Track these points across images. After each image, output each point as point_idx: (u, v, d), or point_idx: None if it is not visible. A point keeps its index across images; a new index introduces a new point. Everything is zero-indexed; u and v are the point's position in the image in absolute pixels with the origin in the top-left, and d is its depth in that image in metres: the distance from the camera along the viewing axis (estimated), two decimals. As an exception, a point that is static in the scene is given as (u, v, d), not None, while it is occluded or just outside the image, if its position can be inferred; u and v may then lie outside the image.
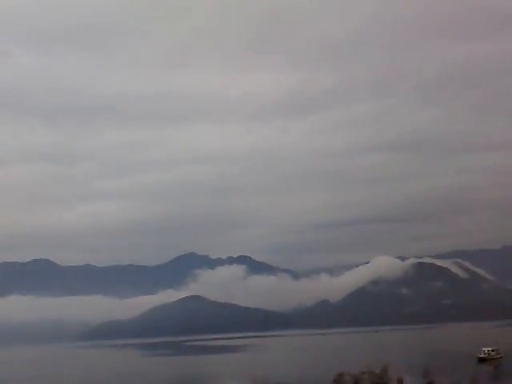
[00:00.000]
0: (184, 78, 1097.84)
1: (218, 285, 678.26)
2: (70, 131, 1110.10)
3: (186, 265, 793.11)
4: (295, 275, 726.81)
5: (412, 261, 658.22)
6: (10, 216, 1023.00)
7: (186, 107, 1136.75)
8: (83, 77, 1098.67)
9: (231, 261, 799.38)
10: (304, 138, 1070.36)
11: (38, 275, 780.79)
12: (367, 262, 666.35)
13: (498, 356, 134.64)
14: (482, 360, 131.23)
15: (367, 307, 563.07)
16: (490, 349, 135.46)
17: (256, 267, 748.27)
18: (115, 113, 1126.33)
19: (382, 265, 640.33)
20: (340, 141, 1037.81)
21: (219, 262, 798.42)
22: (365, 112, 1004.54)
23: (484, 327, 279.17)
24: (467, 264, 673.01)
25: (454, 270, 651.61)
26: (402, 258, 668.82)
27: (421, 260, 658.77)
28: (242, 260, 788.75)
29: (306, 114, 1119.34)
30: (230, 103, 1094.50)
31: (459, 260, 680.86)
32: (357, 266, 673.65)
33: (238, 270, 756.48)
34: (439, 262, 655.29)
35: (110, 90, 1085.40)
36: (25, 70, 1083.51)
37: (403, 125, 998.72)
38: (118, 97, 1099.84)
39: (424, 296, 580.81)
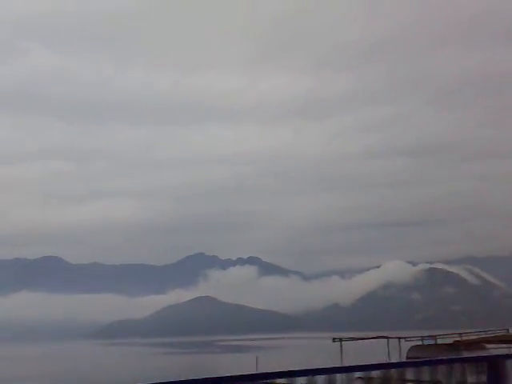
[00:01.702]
0: (200, 78, 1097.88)
1: (228, 285, 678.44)
2: (85, 129, 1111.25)
3: (194, 265, 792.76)
4: (306, 277, 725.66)
5: (423, 266, 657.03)
6: (22, 213, 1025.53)
7: (202, 108, 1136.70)
8: (100, 76, 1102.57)
9: (240, 262, 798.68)
10: (319, 141, 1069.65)
11: (48, 272, 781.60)
12: (378, 266, 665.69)
13: None
14: None
15: (378, 311, 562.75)
16: None
17: (266, 269, 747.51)
18: (130, 112, 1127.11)
19: (394, 269, 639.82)
20: (354, 145, 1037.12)
21: (228, 263, 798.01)
22: (380, 117, 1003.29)
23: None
24: (477, 270, 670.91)
25: (465, 276, 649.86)
26: (414, 263, 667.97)
27: (432, 265, 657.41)
28: (251, 261, 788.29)
29: (322, 117, 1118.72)
30: (246, 105, 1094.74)
31: (470, 266, 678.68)
32: (368, 269, 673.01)
33: (247, 271, 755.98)
34: (450, 268, 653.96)
35: (126, 90, 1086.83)
36: (43, 67, 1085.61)
37: (418, 130, 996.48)
38: (133, 96, 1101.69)
39: (434, 301, 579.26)
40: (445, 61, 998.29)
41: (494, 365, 10.08)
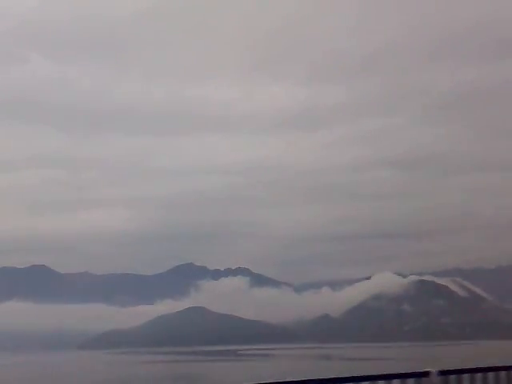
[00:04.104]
0: (195, 89, 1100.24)
1: (219, 296, 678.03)
2: (80, 138, 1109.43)
3: (184, 275, 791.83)
4: (296, 288, 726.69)
5: (413, 278, 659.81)
6: (11, 220, 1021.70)
7: (196, 118, 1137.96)
8: (97, 85, 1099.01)
9: (229, 272, 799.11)
10: (311, 152, 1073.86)
11: (37, 282, 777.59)
12: (368, 278, 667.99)
13: None
14: None
15: (368, 323, 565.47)
16: None
17: (255, 279, 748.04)
18: (125, 121, 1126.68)
19: (383, 281, 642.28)
20: (345, 156, 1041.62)
21: (217, 274, 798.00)
22: (371, 129, 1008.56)
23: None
24: (466, 283, 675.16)
25: (454, 288, 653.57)
26: (403, 275, 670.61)
27: (421, 277, 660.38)
28: (240, 272, 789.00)
29: (315, 128, 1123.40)
30: (239, 115, 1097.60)
31: (458, 278, 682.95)
32: (358, 281, 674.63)
33: (236, 281, 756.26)
34: (439, 280, 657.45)
35: (122, 99, 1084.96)
36: (39, 75, 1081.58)
37: (408, 143, 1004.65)
38: (128, 105, 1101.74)
39: (424, 313, 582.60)
40: (436, 75, 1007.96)
41: None
